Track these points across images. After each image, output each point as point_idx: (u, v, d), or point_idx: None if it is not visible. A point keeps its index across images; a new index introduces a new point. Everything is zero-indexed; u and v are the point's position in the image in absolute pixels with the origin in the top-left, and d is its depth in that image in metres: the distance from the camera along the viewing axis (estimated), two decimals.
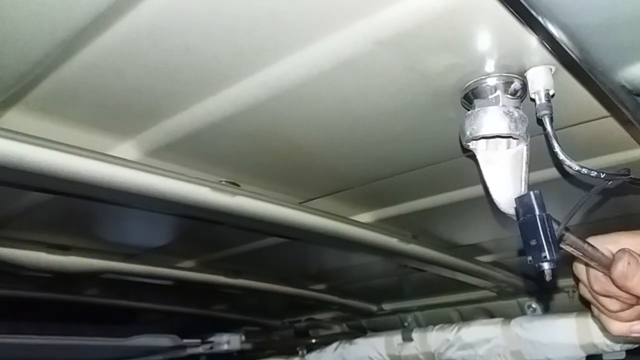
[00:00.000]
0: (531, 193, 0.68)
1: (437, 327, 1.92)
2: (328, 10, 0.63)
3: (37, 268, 1.28)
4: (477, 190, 1.16)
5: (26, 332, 1.83)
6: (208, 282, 1.62)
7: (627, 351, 1.54)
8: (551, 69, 0.72)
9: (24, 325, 1.86)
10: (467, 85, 0.76)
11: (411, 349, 1.94)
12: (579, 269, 0.78)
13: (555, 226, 0.67)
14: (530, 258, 0.66)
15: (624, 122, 0.85)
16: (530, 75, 0.73)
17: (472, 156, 0.82)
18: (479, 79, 0.75)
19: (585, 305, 0.84)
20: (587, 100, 0.79)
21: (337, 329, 2.39)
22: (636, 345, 1.50)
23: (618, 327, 0.77)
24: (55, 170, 0.75)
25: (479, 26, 0.65)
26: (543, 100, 0.72)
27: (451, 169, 1.06)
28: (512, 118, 0.72)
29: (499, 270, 1.66)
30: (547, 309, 1.87)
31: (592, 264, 0.73)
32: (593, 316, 0.82)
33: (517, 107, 0.75)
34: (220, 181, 1.02)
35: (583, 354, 1.59)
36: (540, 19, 0.51)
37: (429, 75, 0.74)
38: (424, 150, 1.00)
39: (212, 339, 2.25)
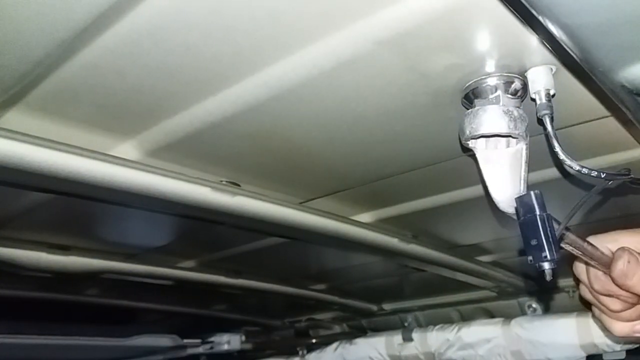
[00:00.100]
0: (532, 193, 0.68)
1: (437, 327, 1.92)
2: (328, 10, 0.63)
3: (37, 268, 1.28)
4: (477, 190, 1.16)
5: (26, 332, 1.83)
6: (208, 282, 1.62)
7: (627, 351, 1.54)
8: (552, 69, 0.72)
9: (24, 325, 1.86)
10: (467, 85, 0.76)
11: (411, 349, 1.94)
12: (579, 269, 0.78)
13: (555, 226, 0.67)
14: (530, 258, 0.66)
15: (625, 122, 0.85)
16: (530, 75, 0.73)
17: (472, 156, 0.82)
18: (479, 78, 0.75)
19: (585, 306, 0.84)
20: (588, 100, 0.79)
21: (337, 329, 2.39)
22: (636, 345, 1.50)
23: (620, 327, 0.77)
24: (55, 170, 0.75)
25: (479, 26, 0.65)
26: (543, 100, 0.72)
27: (451, 169, 1.06)
28: (511, 117, 0.72)
29: (499, 270, 1.66)
30: (548, 309, 1.87)
31: (592, 263, 0.73)
32: (594, 317, 0.82)
33: (517, 107, 0.75)
34: (221, 181, 1.02)
35: (583, 354, 1.59)
36: (540, 18, 0.51)
37: (429, 75, 0.74)
38: (424, 150, 1.00)
39: (212, 339, 2.25)
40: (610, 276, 0.71)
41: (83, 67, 0.71)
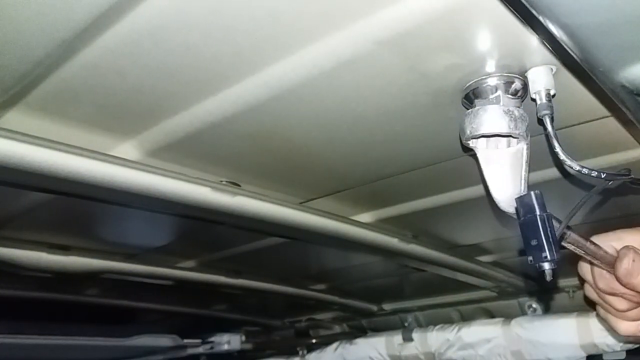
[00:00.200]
0: (532, 193, 0.68)
1: (437, 327, 1.92)
2: (328, 10, 0.63)
3: (37, 268, 1.28)
4: (477, 190, 1.16)
5: (26, 332, 1.83)
6: (208, 282, 1.62)
7: (627, 351, 1.54)
8: (552, 69, 0.72)
9: (24, 325, 1.86)
10: (467, 85, 0.76)
11: (411, 349, 1.94)
12: (584, 268, 0.78)
13: (556, 225, 0.67)
14: (530, 258, 0.66)
15: (625, 122, 0.85)
16: (531, 75, 0.73)
17: (472, 155, 0.81)
18: (479, 78, 0.75)
19: (591, 307, 0.84)
20: (588, 100, 0.79)
21: (337, 329, 2.39)
22: (636, 345, 1.50)
23: (626, 326, 0.76)
24: (55, 170, 0.75)
25: (479, 26, 0.65)
26: (544, 100, 0.72)
27: (451, 169, 1.06)
28: (511, 117, 0.72)
29: (499, 270, 1.66)
30: (548, 309, 1.87)
31: (596, 262, 0.73)
32: (599, 317, 0.81)
33: (517, 107, 0.75)
34: (221, 181, 1.02)
35: (583, 354, 1.59)
36: (541, 18, 0.51)
37: (429, 75, 0.74)
38: (424, 150, 1.00)
39: (212, 339, 2.25)
40: (615, 275, 0.71)
41: (83, 67, 0.71)
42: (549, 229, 0.65)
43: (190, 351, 2.25)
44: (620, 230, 0.76)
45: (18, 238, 1.27)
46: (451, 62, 0.71)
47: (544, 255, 0.64)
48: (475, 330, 1.81)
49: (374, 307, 2.20)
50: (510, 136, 0.75)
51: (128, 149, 0.94)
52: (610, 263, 0.72)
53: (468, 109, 0.76)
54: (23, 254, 1.24)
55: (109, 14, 0.61)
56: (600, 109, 0.82)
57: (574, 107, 0.83)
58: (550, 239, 0.65)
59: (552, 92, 0.72)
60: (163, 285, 1.60)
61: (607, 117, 0.85)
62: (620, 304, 0.74)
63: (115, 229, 1.37)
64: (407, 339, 1.95)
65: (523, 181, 0.75)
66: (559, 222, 0.68)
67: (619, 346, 1.52)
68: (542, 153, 0.89)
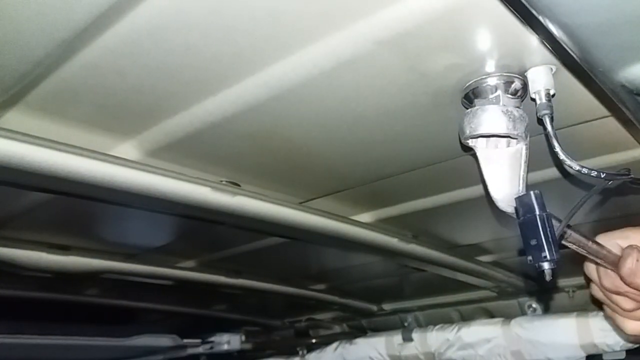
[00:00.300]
0: (531, 193, 0.68)
1: (437, 327, 1.92)
2: (328, 10, 0.63)
3: (37, 268, 1.28)
4: (477, 190, 1.16)
5: (26, 332, 1.83)
6: (208, 282, 1.62)
7: (627, 351, 1.54)
8: (552, 69, 0.72)
9: (24, 325, 1.86)
10: (467, 85, 0.76)
11: (411, 349, 1.94)
12: (590, 268, 0.77)
13: (556, 224, 0.67)
14: (530, 258, 0.66)
15: (625, 122, 0.85)
16: (530, 75, 0.73)
17: (472, 155, 0.82)
18: (479, 78, 0.75)
19: (597, 306, 0.83)
20: (588, 100, 0.79)
21: (337, 329, 2.38)
22: (636, 345, 1.50)
23: (633, 326, 0.76)
24: (55, 170, 0.75)
25: (479, 26, 0.65)
26: (543, 100, 0.72)
27: (451, 169, 1.06)
28: (510, 117, 0.72)
29: (499, 270, 1.66)
30: (548, 309, 1.87)
31: (599, 261, 0.73)
32: (607, 316, 0.81)
33: (517, 107, 0.75)
34: (221, 181, 1.02)
35: (583, 354, 1.59)
36: (540, 18, 0.51)
37: (429, 75, 0.74)
38: (424, 150, 1.00)
39: (212, 339, 2.25)
40: (619, 274, 0.71)
41: (83, 67, 0.71)
42: (548, 229, 0.65)
43: (190, 351, 2.25)
44: (627, 228, 0.76)
45: (18, 238, 1.27)
46: (451, 62, 0.71)
47: (543, 255, 0.64)
48: (475, 330, 1.81)
49: (374, 307, 2.20)
50: (510, 136, 0.75)
51: (128, 149, 0.94)
52: (614, 262, 0.71)
53: (468, 109, 0.76)
54: (23, 254, 1.24)
55: (108, 14, 0.61)
56: (600, 109, 0.82)
57: (574, 107, 0.83)
58: (550, 239, 0.65)
59: (551, 92, 0.72)
60: (163, 285, 1.60)
61: (607, 117, 0.85)
62: (626, 303, 0.74)
63: (115, 229, 1.37)
64: (407, 339, 1.95)
65: (522, 181, 0.75)
66: (559, 221, 0.68)
67: (618, 346, 1.52)
68: (541, 153, 0.89)
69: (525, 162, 0.76)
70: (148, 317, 2.30)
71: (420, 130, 0.91)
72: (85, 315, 2.02)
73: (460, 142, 0.79)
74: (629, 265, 0.69)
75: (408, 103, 0.82)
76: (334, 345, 2.16)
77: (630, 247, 0.71)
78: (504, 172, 0.77)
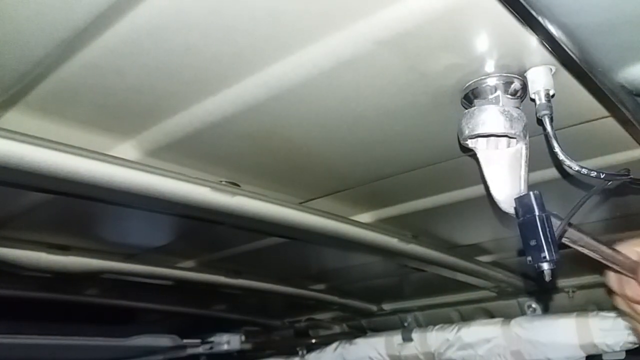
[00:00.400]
0: (531, 193, 0.68)
1: (437, 327, 1.92)
2: (328, 10, 0.63)
3: (37, 268, 1.28)
4: (477, 190, 1.16)
5: (26, 332, 1.83)
6: (208, 282, 1.62)
7: (627, 351, 1.54)
8: (551, 69, 0.72)
9: (24, 325, 1.86)
10: (467, 85, 0.76)
11: (411, 349, 1.94)
12: (612, 278, 0.75)
13: (556, 223, 0.67)
14: (529, 258, 0.66)
15: (624, 122, 0.85)
16: (530, 75, 0.73)
17: (472, 156, 0.81)
18: (479, 79, 0.75)
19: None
20: (587, 100, 0.79)
21: (337, 329, 2.39)
22: (636, 345, 1.50)
23: None
24: (55, 170, 0.75)
25: (478, 26, 0.65)
26: (543, 100, 0.72)
27: (451, 169, 1.06)
28: (507, 117, 0.72)
29: (499, 270, 1.66)
30: (547, 309, 1.87)
31: (616, 267, 0.71)
32: (636, 333, 0.78)
33: (516, 107, 0.75)
34: (221, 181, 1.02)
35: (583, 354, 1.59)
36: (540, 18, 0.51)
37: (429, 75, 0.74)
38: (424, 150, 1.00)
39: (212, 339, 2.25)
40: (637, 281, 0.69)
41: (83, 67, 0.71)
42: (548, 229, 0.65)
43: (190, 351, 2.24)
44: None
45: (18, 238, 1.27)
46: (451, 62, 0.71)
47: (542, 255, 0.64)
48: (475, 330, 1.81)
49: (374, 307, 2.20)
50: (508, 136, 0.75)
51: (127, 149, 0.94)
52: (632, 269, 0.70)
53: (466, 110, 0.76)
54: (23, 254, 1.24)
55: (108, 14, 0.61)
56: (599, 109, 0.82)
57: (573, 107, 0.83)
58: (549, 239, 0.65)
59: (551, 92, 0.72)
60: (163, 285, 1.60)
61: (606, 117, 0.85)
62: None
63: (115, 229, 1.37)
64: (407, 339, 1.95)
65: (523, 181, 0.75)
66: (561, 219, 0.68)
67: (618, 346, 1.52)
68: (541, 153, 0.89)
69: (525, 161, 0.76)
70: (148, 317, 2.30)
71: (420, 130, 0.91)
72: (85, 315, 2.02)
73: (460, 143, 0.79)
74: None
75: (408, 103, 0.82)
76: (334, 345, 2.16)
77: None
78: (505, 173, 0.77)
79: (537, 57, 0.70)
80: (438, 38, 0.67)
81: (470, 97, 0.77)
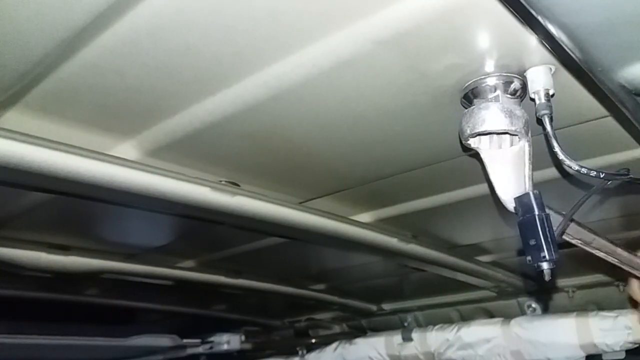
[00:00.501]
0: (530, 193, 0.68)
1: (437, 327, 1.92)
2: (328, 10, 0.63)
3: (37, 268, 1.28)
4: (477, 190, 1.16)
5: (26, 332, 1.83)
6: (208, 282, 1.62)
7: (627, 351, 1.54)
8: (551, 69, 0.72)
9: (24, 325, 1.86)
10: (467, 85, 0.76)
11: (411, 348, 1.94)
12: (635, 286, 0.74)
13: (557, 221, 0.66)
14: (529, 258, 0.66)
15: (624, 122, 0.85)
16: (530, 75, 0.73)
17: (472, 155, 0.82)
18: (478, 78, 0.75)
19: None
20: (587, 100, 0.80)
21: (337, 329, 2.39)
22: (636, 345, 1.50)
23: None
24: (55, 170, 0.75)
25: (478, 26, 0.65)
26: (543, 100, 0.72)
27: (451, 168, 1.06)
28: (507, 113, 0.72)
29: (499, 270, 1.66)
30: (547, 309, 1.87)
31: (634, 272, 0.71)
32: None
33: (516, 106, 0.75)
34: (221, 181, 1.02)
35: (583, 354, 1.59)
36: (539, 18, 0.51)
37: (429, 75, 0.74)
38: (424, 150, 1.00)
39: (212, 339, 2.25)
40: None
41: (82, 67, 0.71)
42: (547, 229, 0.65)
43: (190, 351, 2.25)
44: None
45: (18, 238, 1.27)
46: (451, 61, 0.71)
47: (542, 255, 0.64)
48: (475, 330, 1.81)
49: (374, 307, 2.20)
50: (512, 134, 0.75)
51: (127, 149, 0.94)
52: None
53: (466, 109, 0.76)
54: (23, 254, 1.24)
55: (108, 14, 0.61)
56: (599, 109, 0.82)
57: (573, 107, 0.83)
58: (549, 239, 0.65)
59: (551, 92, 0.72)
60: (163, 285, 1.60)
61: (606, 117, 0.85)
62: None
63: (115, 229, 1.37)
64: (407, 338, 1.95)
65: (527, 179, 0.75)
66: (562, 215, 0.68)
67: (618, 346, 1.52)
68: (541, 153, 0.89)
69: (529, 159, 0.76)
70: (148, 317, 2.31)
71: (420, 130, 0.91)
72: (85, 315, 2.02)
73: (461, 143, 0.79)
74: None
75: (408, 103, 0.82)
76: (334, 345, 2.16)
77: None
78: (509, 172, 0.77)
79: (536, 57, 0.70)
80: (438, 38, 0.67)
81: (470, 96, 0.77)
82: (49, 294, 1.71)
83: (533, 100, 0.73)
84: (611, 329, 1.53)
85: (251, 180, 1.10)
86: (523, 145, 0.76)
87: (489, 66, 0.72)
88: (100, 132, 0.89)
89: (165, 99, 0.81)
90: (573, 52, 0.55)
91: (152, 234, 1.43)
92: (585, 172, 0.71)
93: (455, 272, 1.58)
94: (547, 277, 0.65)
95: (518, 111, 0.73)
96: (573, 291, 1.78)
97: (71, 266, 1.32)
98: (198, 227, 1.31)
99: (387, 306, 2.21)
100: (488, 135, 0.78)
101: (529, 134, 0.75)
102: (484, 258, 1.66)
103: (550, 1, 0.48)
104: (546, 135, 0.73)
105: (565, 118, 0.85)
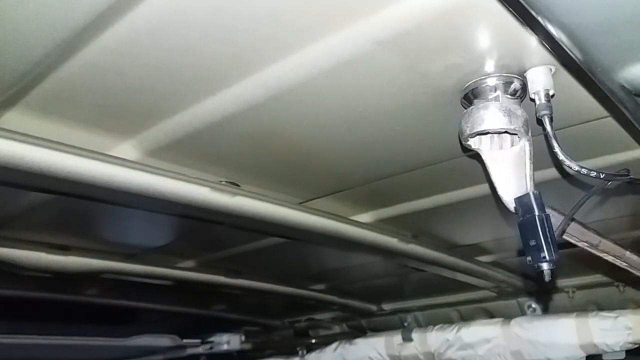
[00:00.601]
0: (531, 193, 0.68)
1: (437, 327, 1.92)
2: (328, 10, 0.63)
3: (37, 268, 1.28)
4: (477, 190, 1.16)
5: (26, 332, 1.83)
6: (208, 282, 1.62)
7: (627, 351, 1.54)
8: (551, 69, 0.72)
9: (24, 325, 1.86)
10: (467, 85, 0.76)
11: (411, 349, 1.94)
12: None
13: (557, 220, 0.66)
14: (529, 258, 0.66)
15: (624, 122, 0.85)
16: (530, 75, 0.73)
17: (472, 155, 0.81)
18: (478, 79, 0.75)
19: None
20: (587, 101, 0.79)
21: (337, 329, 2.39)
22: (636, 345, 1.50)
23: None
24: (55, 170, 0.75)
25: (478, 26, 0.65)
26: (543, 101, 0.72)
27: (451, 169, 1.06)
28: (505, 112, 0.72)
29: (498, 270, 1.66)
30: (547, 309, 1.87)
31: None
32: None
33: (516, 106, 0.75)
34: (220, 181, 1.03)
35: (583, 354, 1.59)
36: (539, 18, 0.51)
37: (429, 75, 0.74)
38: (424, 150, 1.00)
39: (212, 339, 2.25)
40: None
41: (82, 67, 0.71)
42: (547, 230, 0.65)
43: (190, 351, 2.25)
44: None
45: (18, 238, 1.27)
46: (451, 62, 0.71)
47: (542, 255, 0.64)
48: (475, 330, 1.81)
49: (374, 307, 2.20)
50: (512, 133, 0.75)
51: (127, 149, 0.94)
52: None
53: (466, 109, 0.76)
54: (23, 254, 1.24)
55: (108, 14, 0.61)
56: (599, 110, 0.82)
57: (573, 107, 0.83)
58: (549, 239, 0.65)
59: (551, 93, 0.72)
60: (163, 285, 1.60)
61: (606, 117, 0.85)
62: None
63: (115, 229, 1.37)
64: (407, 339, 1.95)
65: (528, 179, 0.75)
66: (563, 215, 0.68)
67: (618, 346, 1.52)
68: (541, 153, 0.89)
69: (530, 159, 0.76)
70: (148, 317, 2.31)
71: (420, 130, 0.91)
72: (85, 315, 2.02)
73: (461, 143, 0.79)
74: None
75: (408, 103, 0.82)
76: (334, 345, 2.16)
77: None
78: (510, 173, 0.76)
79: (536, 57, 0.70)
80: (438, 38, 0.67)
81: (470, 97, 0.77)
82: (49, 294, 1.71)
83: (533, 100, 0.73)
84: (611, 329, 1.52)
85: (251, 180, 1.10)
86: (524, 145, 0.76)
87: (489, 66, 0.72)
88: (100, 132, 0.89)
89: (165, 99, 0.81)
90: (573, 53, 0.55)
91: (152, 234, 1.43)
92: (586, 172, 0.71)
93: (455, 272, 1.58)
94: (547, 278, 0.65)
95: (517, 110, 0.73)
96: (573, 291, 1.78)
97: (71, 266, 1.32)
98: (198, 227, 1.31)
99: (387, 306, 2.21)
100: (489, 136, 0.78)
101: (529, 134, 0.75)
102: (484, 258, 1.66)
103: (550, 1, 0.48)
104: (546, 136, 0.73)
105: (565, 118, 0.85)
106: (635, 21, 0.50)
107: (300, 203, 1.21)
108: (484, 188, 1.11)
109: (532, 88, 0.73)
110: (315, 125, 0.89)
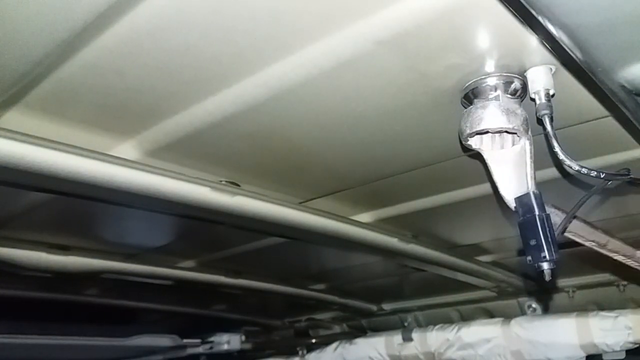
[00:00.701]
0: (531, 193, 0.68)
1: (437, 327, 1.92)
2: (328, 10, 0.63)
3: (37, 268, 1.28)
4: (477, 190, 1.16)
5: (26, 332, 1.83)
6: (208, 282, 1.62)
7: (627, 351, 1.54)
8: (551, 69, 0.72)
9: (24, 325, 1.86)
10: (467, 85, 0.76)
11: (411, 348, 1.94)
12: None
13: (557, 220, 0.66)
14: (529, 258, 0.66)
15: (624, 122, 0.85)
16: (530, 75, 0.73)
17: (472, 155, 0.81)
18: (479, 78, 0.75)
19: None
20: (587, 100, 0.79)
21: (337, 329, 2.39)
22: (636, 345, 1.50)
23: None
24: (55, 170, 0.75)
25: (479, 26, 0.65)
26: (543, 100, 0.72)
27: (451, 169, 1.06)
28: (504, 112, 0.72)
29: (499, 270, 1.66)
30: (547, 309, 1.87)
31: None
32: None
33: (515, 105, 0.75)
34: (221, 181, 1.02)
35: (583, 354, 1.59)
36: (540, 18, 0.51)
37: (429, 75, 0.74)
38: (424, 150, 1.00)
39: (212, 339, 2.25)
40: None
41: (82, 67, 0.71)
42: (548, 229, 0.65)
43: (190, 351, 2.25)
44: None
45: (18, 238, 1.27)
46: (451, 62, 0.71)
47: (542, 255, 0.64)
48: (475, 330, 1.81)
49: (374, 307, 2.20)
50: (512, 133, 0.75)
51: (127, 149, 0.94)
52: None
53: (466, 109, 0.76)
54: (23, 254, 1.24)
55: (108, 14, 0.61)
56: (599, 109, 0.82)
57: (573, 107, 0.83)
58: (550, 239, 0.65)
59: (551, 92, 0.72)
60: (163, 285, 1.60)
61: (607, 117, 0.85)
62: None
63: (115, 229, 1.37)
64: (407, 338, 1.95)
65: (529, 178, 0.75)
66: (565, 213, 0.68)
67: (618, 346, 1.52)
68: (541, 153, 0.89)
69: (530, 158, 0.76)
70: (148, 317, 2.31)
71: (420, 130, 0.91)
72: (85, 315, 2.02)
73: (461, 143, 0.79)
74: None
75: (408, 103, 0.82)
76: (334, 345, 2.16)
77: None
78: (511, 172, 0.77)
79: (537, 57, 0.70)
80: (438, 38, 0.67)
81: (470, 96, 0.77)
82: (49, 294, 1.71)
83: (533, 100, 0.73)
84: (611, 329, 1.53)
85: (251, 180, 1.10)
86: (524, 145, 0.76)
87: (489, 66, 0.72)
88: (100, 132, 0.89)
89: (165, 99, 0.81)
90: (573, 52, 0.55)
91: (152, 234, 1.43)
92: (586, 172, 0.71)
93: (455, 272, 1.58)
94: (547, 277, 0.65)
95: (516, 109, 0.73)
96: (573, 291, 1.78)
97: (71, 266, 1.32)
98: (198, 227, 1.31)
99: (387, 306, 2.21)
100: (489, 136, 0.79)
101: (529, 133, 0.75)
102: (484, 258, 1.66)
103: (551, 1, 0.48)
104: (546, 135, 0.73)
105: (565, 118, 0.85)
106: (635, 21, 0.50)
107: (301, 203, 1.21)
108: (484, 188, 1.11)
109: (532, 88, 0.73)
110: (315, 125, 0.89)
